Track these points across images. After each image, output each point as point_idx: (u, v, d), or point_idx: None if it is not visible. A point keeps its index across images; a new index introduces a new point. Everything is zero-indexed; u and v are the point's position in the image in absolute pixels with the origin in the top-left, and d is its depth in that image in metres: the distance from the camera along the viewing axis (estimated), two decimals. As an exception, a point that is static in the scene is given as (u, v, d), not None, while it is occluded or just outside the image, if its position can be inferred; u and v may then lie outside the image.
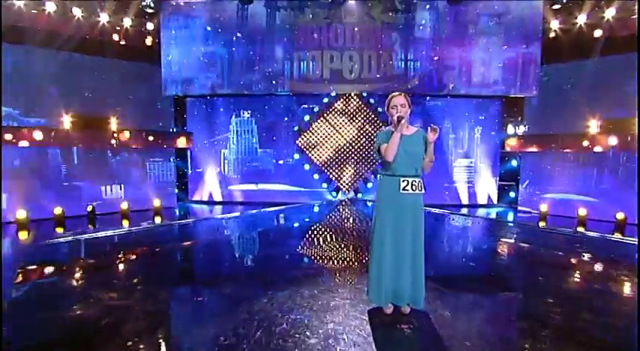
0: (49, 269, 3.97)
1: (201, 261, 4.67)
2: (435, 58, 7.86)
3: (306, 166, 8.68)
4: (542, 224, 6.74)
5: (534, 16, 7.48)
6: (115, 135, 7.26)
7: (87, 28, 6.85)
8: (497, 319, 2.76)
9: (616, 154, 6.91)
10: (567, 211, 7.33)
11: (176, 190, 8.60)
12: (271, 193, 8.72)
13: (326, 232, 5.81)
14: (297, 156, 8.65)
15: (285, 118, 8.64)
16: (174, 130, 8.50)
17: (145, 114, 7.87)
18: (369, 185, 8.68)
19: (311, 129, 8.60)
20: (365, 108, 8.48)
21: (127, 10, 7.25)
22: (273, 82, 8.03)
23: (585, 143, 7.03)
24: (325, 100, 8.47)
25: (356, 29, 7.87)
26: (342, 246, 4.91)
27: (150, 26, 7.76)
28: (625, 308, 2.96)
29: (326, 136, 8.63)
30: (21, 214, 6.17)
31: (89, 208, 7.14)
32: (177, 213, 7.85)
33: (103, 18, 7.01)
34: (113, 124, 7.32)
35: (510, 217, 7.67)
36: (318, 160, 8.68)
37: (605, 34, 6.82)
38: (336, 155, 8.68)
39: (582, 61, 7.15)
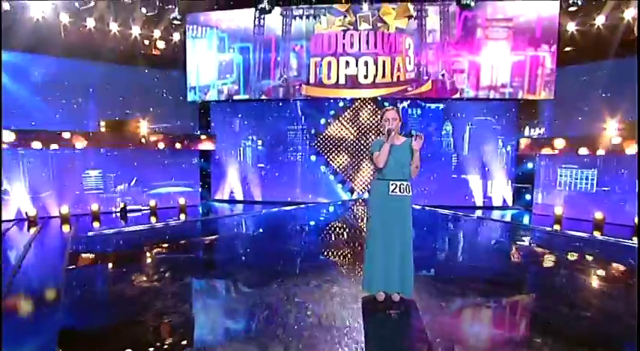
0: (92, 256, 4.60)
1: (220, 253, 5.20)
2: (447, 62, 8.05)
3: (322, 168, 9.09)
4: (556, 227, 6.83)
5: (550, 18, 7.52)
6: (144, 138, 7.91)
7: (122, 40, 7.53)
8: (477, 308, 3.06)
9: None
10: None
11: (199, 189, 9.20)
12: (289, 193, 9.18)
13: (336, 230, 6.21)
14: (313, 158, 9.07)
15: (303, 122, 9.08)
16: (199, 132, 9.10)
17: (171, 118, 8.48)
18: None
19: (327, 132, 9.01)
20: (379, 112, 8.79)
21: (156, 23, 7.88)
22: (290, 87, 8.47)
23: (601, 145, 6.99)
24: (341, 104, 8.85)
25: (370, 36, 8.18)
26: (349, 242, 5.28)
27: (176, 36, 8.37)
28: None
29: (341, 139, 9.01)
30: (64, 209, 6.89)
31: (121, 205, 7.82)
32: (200, 210, 8.42)
33: (135, 31, 7.66)
34: (143, 127, 7.97)
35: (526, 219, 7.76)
36: (333, 161, 9.08)
37: (623, 35, 6.77)
38: (351, 157, 9.05)
39: (600, 63, 7.10)
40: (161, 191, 8.40)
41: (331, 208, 8.39)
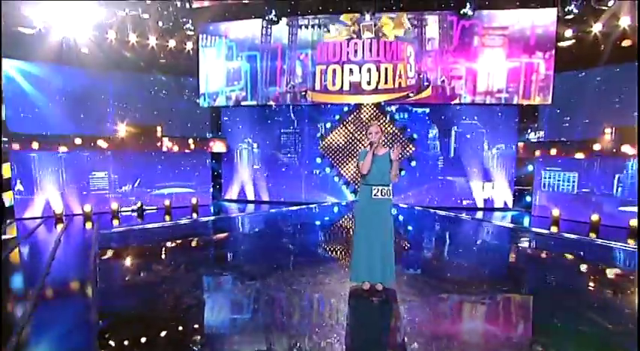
0: (116, 250, 5.16)
1: (229, 248, 5.70)
2: (446, 69, 8.38)
3: (327, 170, 9.53)
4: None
5: (544, 26, 7.78)
6: (160, 141, 8.46)
7: (140, 50, 8.12)
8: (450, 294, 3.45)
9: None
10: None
11: (211, 190, 9.72)
12: (296, 193, 9.64)
13: (335, 228, 6.67)
14: (319, 160, 9.52)
15: (308, 126, 9.53)
16: (211, 135, 9.62)
17: (185, 121, 9.01)
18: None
19: (332, 136, 9.46)
20: (382, 117, 9.19)
21: (171, 33, 8.43)
22: (297, 94, 8.93)
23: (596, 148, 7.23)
24: (345, 109, 9.29)
25: (373, 44, 8.57)
26: (346, 239, 5.70)
27: (189, 45, 8.91)
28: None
29: (345, 142, 9.44)
30: (87, 207, 7.49)
31: (138, 204, 8.38)
32: (212, 210, 8.93)
33: (152, 41, 8.22)
34: (159, 131, 8.52)
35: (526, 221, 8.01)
36: (338, 163, 9.52)
37: (618, 42, 6.98)
38: (355, 160, 9.46)
39: (597, 69, 7.33)
40: (175, 191, 8.95)
41: (335, 209, 8.82)
